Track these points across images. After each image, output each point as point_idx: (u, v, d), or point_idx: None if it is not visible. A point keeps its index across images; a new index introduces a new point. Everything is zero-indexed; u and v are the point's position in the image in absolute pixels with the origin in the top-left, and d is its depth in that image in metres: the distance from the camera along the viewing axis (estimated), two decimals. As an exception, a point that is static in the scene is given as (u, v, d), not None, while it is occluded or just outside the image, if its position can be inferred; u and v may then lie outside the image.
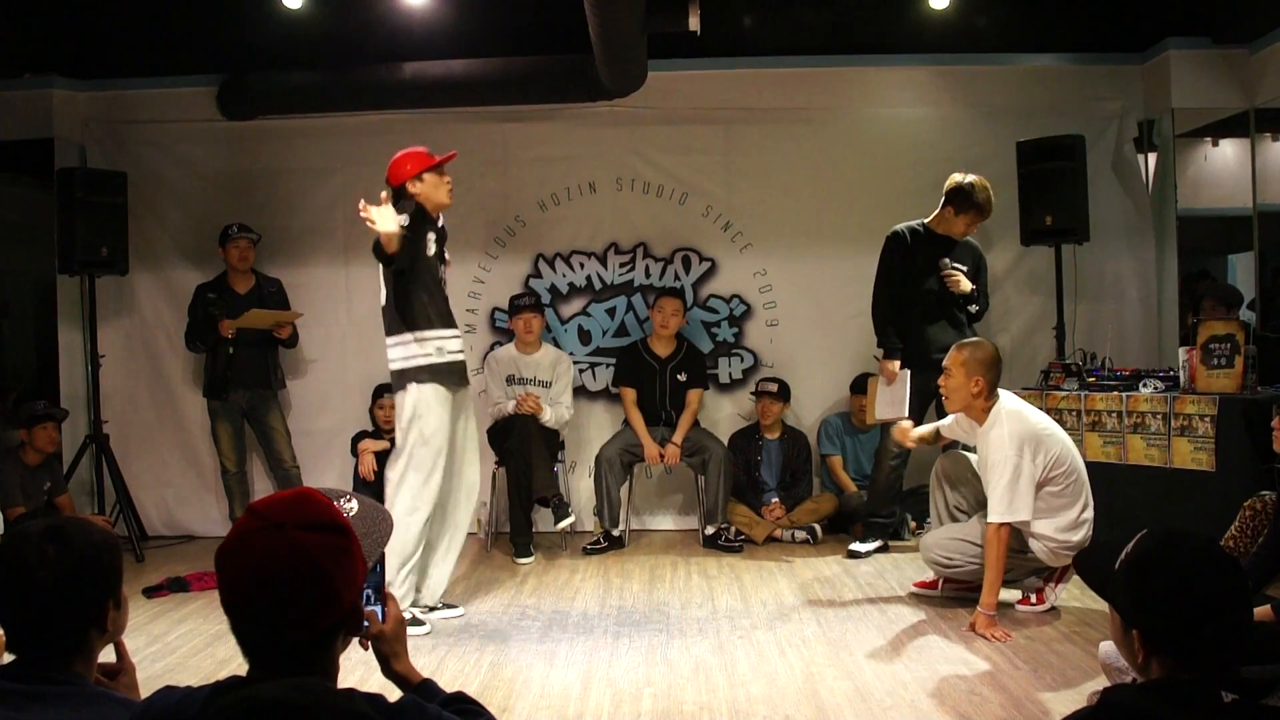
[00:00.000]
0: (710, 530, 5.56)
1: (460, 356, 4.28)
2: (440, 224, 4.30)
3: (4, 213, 7.81)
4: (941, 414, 4.69)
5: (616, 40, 4.98)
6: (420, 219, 4.13)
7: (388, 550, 3.62)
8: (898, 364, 5.07)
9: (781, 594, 4.58)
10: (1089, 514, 4.08)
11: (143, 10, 5.89)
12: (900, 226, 5.23)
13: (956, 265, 5.07)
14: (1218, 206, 6.79)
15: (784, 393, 5.82)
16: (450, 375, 4.19)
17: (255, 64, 6.00)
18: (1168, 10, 5.91)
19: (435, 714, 1.53)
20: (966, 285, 5.03)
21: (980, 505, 4.34)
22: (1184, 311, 5.93)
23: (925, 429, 4.58)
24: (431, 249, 4.18)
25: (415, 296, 4.13)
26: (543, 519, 5.65)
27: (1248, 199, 6.11)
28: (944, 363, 4.16)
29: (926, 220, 5.15)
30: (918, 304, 5.13)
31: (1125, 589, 1.57)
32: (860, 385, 5.84)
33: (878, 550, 5.25)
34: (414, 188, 4.16)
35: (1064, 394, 4.95)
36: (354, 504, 1.75)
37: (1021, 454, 3.93)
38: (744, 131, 6.14)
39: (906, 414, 4.85)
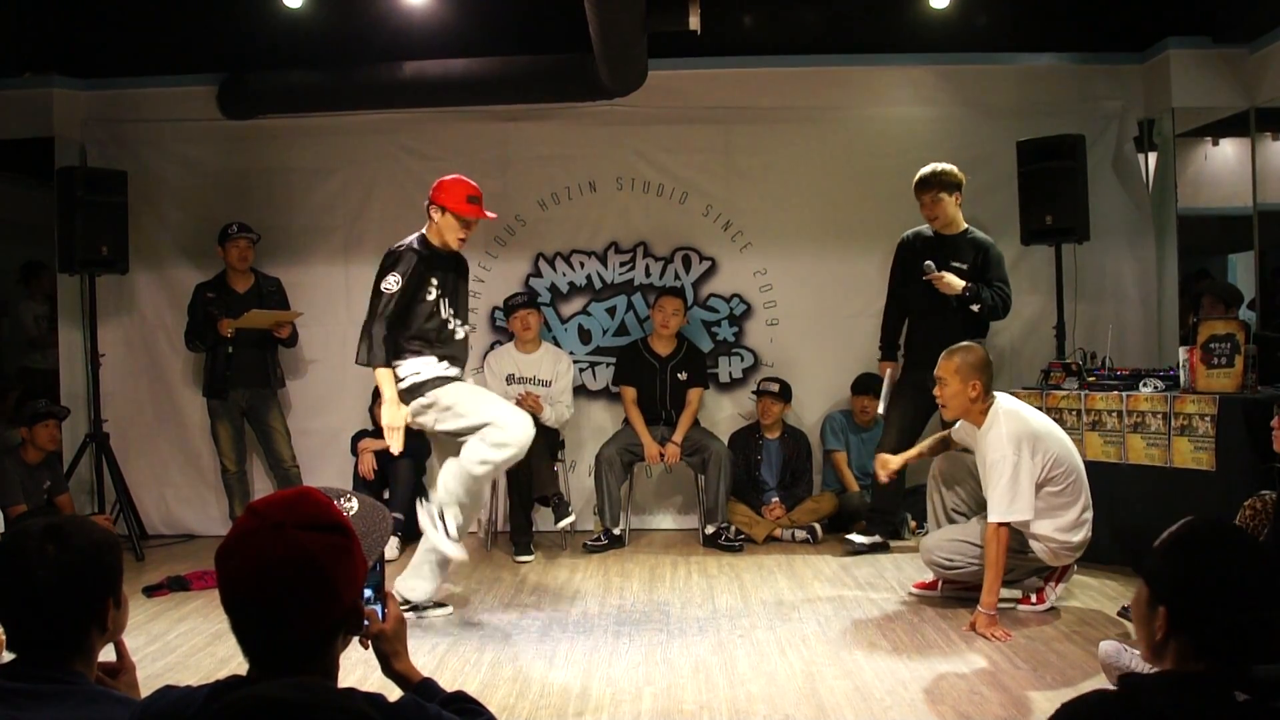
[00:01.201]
0: (710, 530, 5.56)
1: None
2: (453, 259, 4.33)
3: (4, 212, 7.81)
4: (944, 420, 4.69)
5: (617, 39, 4.98)
6: (422, 267, 4.16)
7: (447, 490, 4.03)
8: (887, 365, 5.30)
9: (781, 593, 4.58)
10: (1089, 514, 4.09)
11: (143, 9, 5.89)
12: (909, 231, 5.26)
13: (955, 264, 5.05)
14: (1218, 206, 6.78)
15: (785, 393, 5.82)
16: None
17: (255, 63, 6.00)
18: (1168, 10, 5.91)
19: (435, 713, 1.53)
20: (956, 285, 4.98)
21: (979, 506, 4.34)
22: (1184, 311, 5.93)
23: (909, 453, 4.59)
24: (431, 294, 4.20)
25: (400, 334, 4.21)
26: (543, 518, 5.65)
27: (1248, 198, 6.11)
28: (936, 372, 4.15)
29: None
30: (919, 306, 5.15)
31: (1164, 563, 1.57)
32: (862, 385, 5.84)
33: (875, 547, 5.25)
34: (435, 214, 4.20)
35: (1064, 393, 4.95)
36: (354, 503, 1.76)
37: (1020, 452, 3.93)
38: (744, 131, 6.13)
39: (881, 410, 5.20)
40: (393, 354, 4.17)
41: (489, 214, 4.33)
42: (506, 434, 4.06)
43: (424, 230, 4.26)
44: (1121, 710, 1.48)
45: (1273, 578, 1.55)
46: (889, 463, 4.58)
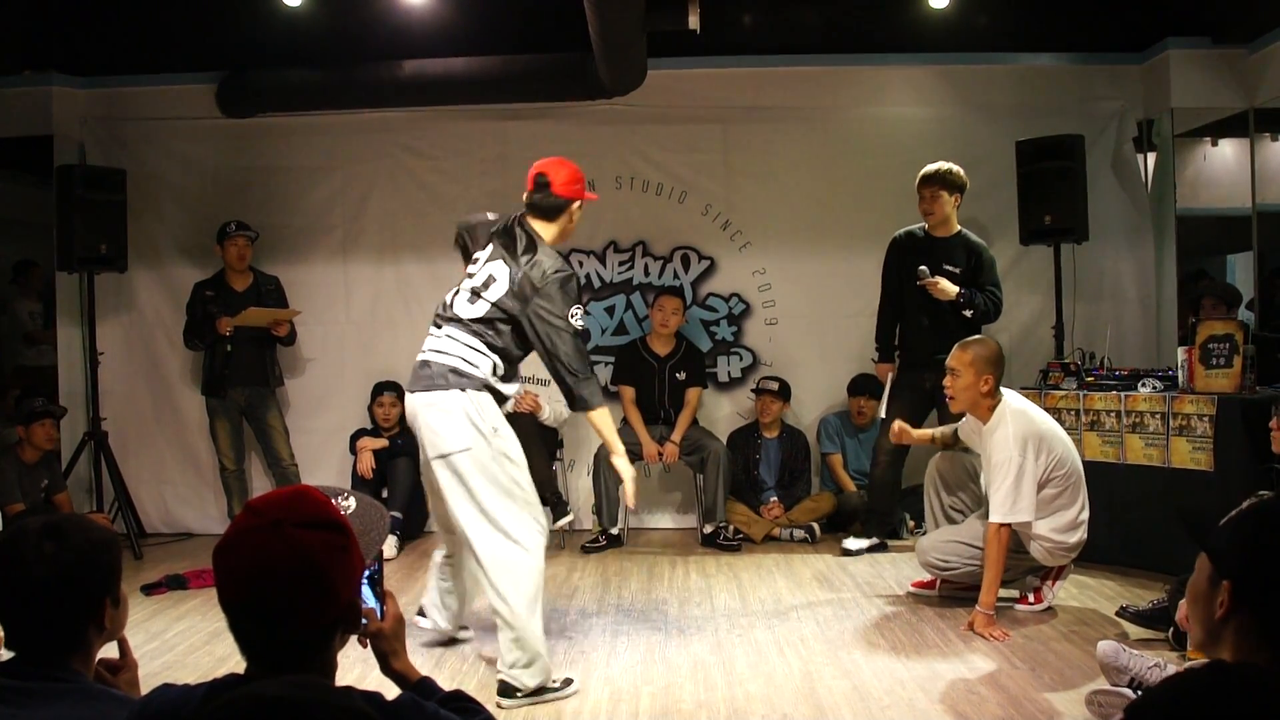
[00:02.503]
0: (709, 529, 5.56)
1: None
2: None
3: (3, 210, 7.81)
4: (943, 414, 4.68)
5: (616, 39, 4.98)
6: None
7: (519, 602, 3.21)
8: (885, 367, 5.29)
9: (780, 593, 4.58)
10: (1085, 514, 4.09)
11: (142, 7, 5.89)
12: (900, 231, 5.26)
13: (948, 266, 5.05)
14: (1217, 206, 6.79)
15: (784, 392, 5.83)
16: None
17: (254, 61, 5.99)
18: (1167, 10, 5.91)
19: (433, 712, 1.53)
20: (950, 291, 4.98)
21: (977, 506, 4.34)
22: (1183, 311, 5.93)
23: (924, 431, 4.57)
24: None
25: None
26: (541, 517, 5.64)
27: (1246, 199, 6.11)
28: (948, 363, 4.12)
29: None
30: (912, 306, 5.15)
31: (1235, 536, 1.48)
32: (858, 386, 5.85)
33: (872, 549, 5.25)
34: (574, 214, 3.56)
35: (1063, 393, 4.95)
36: (352, 501, 1.75)
37: (1025, 454, 3.92)
38: (743, 130, 6.13)
39: (883, 413, 5.15)
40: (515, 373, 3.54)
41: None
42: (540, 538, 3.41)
43: (547, 236, 3.50)
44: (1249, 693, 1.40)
45: None
46: (907, 431, 4.47)
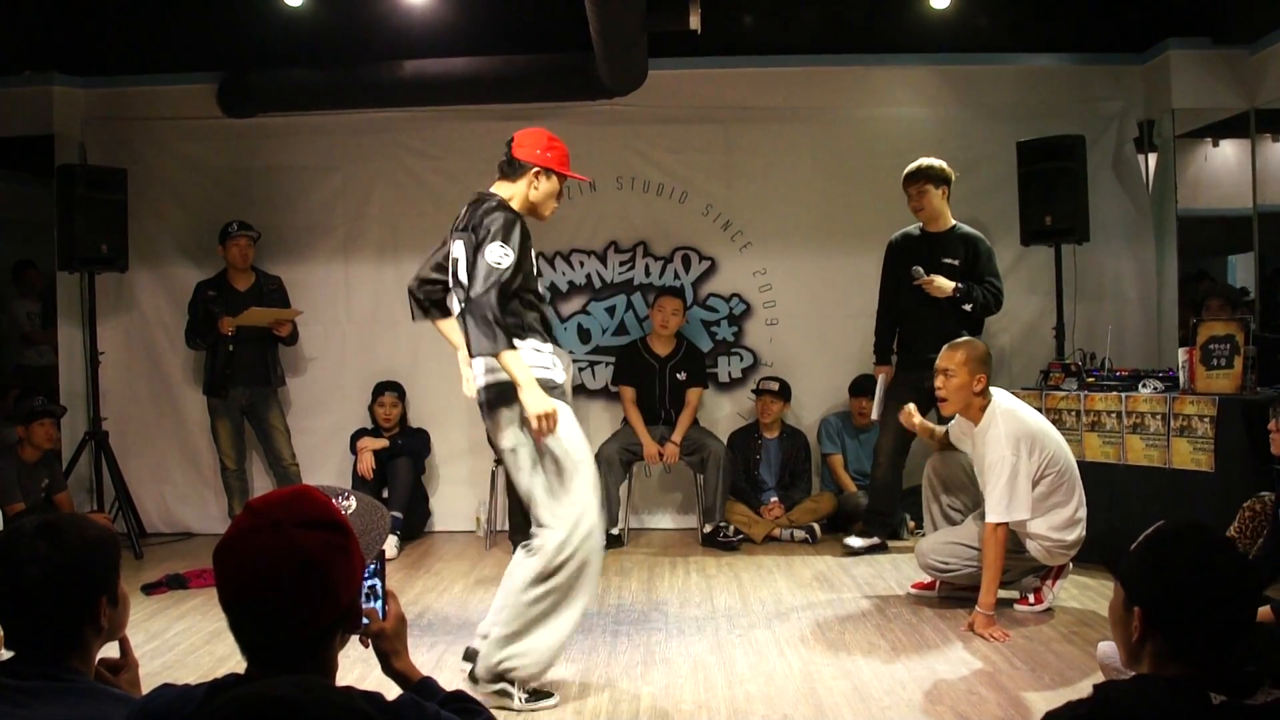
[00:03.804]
0: (709, 529, 5.56)
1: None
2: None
3: (3, 209, 7.81)
4: (941, 415, 4.68)
5: (617, 39, 4.98)
6: (525, 234, 3.34)
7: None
8: (881, 369, 5.31)
9: (780, 593, 4.58)
10: (1083, 512, 4.09)
11: (143, 7, 5.89)
12: (896, 234, 5.27)
13: (946, 260, 5.05)
14: (1218, 207, 6.78)
15: (785, 392, 5.83)
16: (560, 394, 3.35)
17: (256, 61, 6.00)
18: (1168, 10, 5.91)
19: (434, 712, 1.53)
20: (946, 287, 4.97)
21: (975, 506, 4.34)
22: (1183, 312, 5.93)
23: (927, 422, 4.55)
24: (534, 269, 3.44)
25: (528, 307, 3.35)
26: (542, 517, 5.64)
27: (1248, 199, 6.11)
28: (939, 365, 4.12)
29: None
30: (912, 307, 5.15)
31: (1138, 563, 1.58)
32: (859, 387, 5.85)
33: (873, 548, 5.25)
34: (534, 179, 3.38)
35: (1063, 394, 4.95)
36: (352, 502, 1.75)
37: (1018, 453, 3.92)
38: (744, 131, 6.14)
39: (875, 415, 5.27)
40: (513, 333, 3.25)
41: (588, 178, 3.78)
42: (596, 532, 3.29)
43: (504, 196, 3.38)
44: (1098, 717, 1.49)
45: (1246, 577, 1.57)
46: (915, 414, 4.44)
